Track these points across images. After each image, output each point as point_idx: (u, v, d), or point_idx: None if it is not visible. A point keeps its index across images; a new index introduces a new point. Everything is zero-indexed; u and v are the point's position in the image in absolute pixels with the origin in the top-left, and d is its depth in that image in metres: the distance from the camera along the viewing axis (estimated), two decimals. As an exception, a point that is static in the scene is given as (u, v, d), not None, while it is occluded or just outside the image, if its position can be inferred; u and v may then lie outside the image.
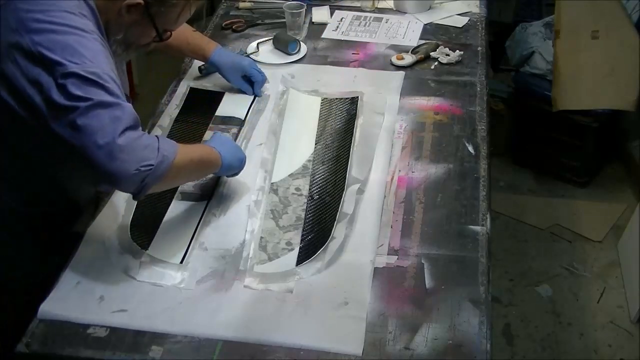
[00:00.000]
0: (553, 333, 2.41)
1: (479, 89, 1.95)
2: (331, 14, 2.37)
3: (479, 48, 2.16)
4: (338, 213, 1.52)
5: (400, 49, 2.14)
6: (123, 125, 1.19)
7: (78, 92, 1.17)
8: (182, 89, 1.97)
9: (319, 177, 1.65)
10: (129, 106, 1.24)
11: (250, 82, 1.93)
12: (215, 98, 1.93)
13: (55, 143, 1.19)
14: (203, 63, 1.97)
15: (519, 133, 3.14)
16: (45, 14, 1.22)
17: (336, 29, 2.29)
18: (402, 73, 2.02)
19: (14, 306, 1.41)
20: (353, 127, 1.79)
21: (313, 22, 2.32)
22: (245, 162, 1.56)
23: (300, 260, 1.41)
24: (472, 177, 1.62)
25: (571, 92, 2.80)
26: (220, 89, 1.96)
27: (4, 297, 1.45)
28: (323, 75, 2.03)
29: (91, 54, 1.22)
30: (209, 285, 1.36)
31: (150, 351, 1.23)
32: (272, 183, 1.62)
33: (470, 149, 1.71)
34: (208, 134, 1.78)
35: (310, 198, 1.58)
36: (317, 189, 1.61)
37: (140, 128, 1.26)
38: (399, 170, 1.65)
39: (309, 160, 1.70)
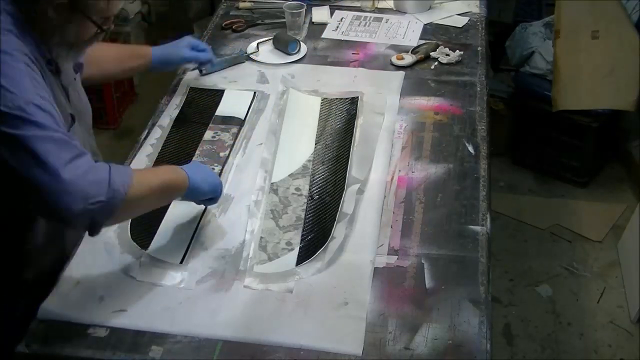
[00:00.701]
0: (553, 333, 2.41)
1: (479, 89, 1.95)
2: (331, 14, 2.37)
3: (479, 48, 2.16)
4: (338, 213, 1.52)
5: (400, 49, 2.14)
6: (62, 159, 1.09)
7: (4, 130, 1.08)
8: (182, 89, 1.97)
9: (319, 177, 1.65)
10: (62, 137, 1.13)
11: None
12: (215, 98, 1.93)
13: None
14: (203, 63, 1.97)
15: (519, 133, 3.14)
16: None
17: (336, 29, 2.29)
18: (402, 73, 2.02)
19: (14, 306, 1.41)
20: (353, 127, 1.79)
21: (313, 22, 2.32)
22: (221, 189, 1.46)
23: (300, 260, 1.41)
24: (472, 177, 1.62)
25: (571, 92, 2.81)
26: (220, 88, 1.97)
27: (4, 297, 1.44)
28: (323, 75, 2.03)
29: (11, 82, 1.11)
30: (209, 285, 1.36)
31: (150, 351, 1.23)
32: (272, 183, 1.62)
33: (470, 149, 1.71)
34: (208, 134, 1.78)
35: (310, 198, 1.58)
36: (317, 189, 1.61)
37: (88, 156, 1.16)
38: (399, 170, 1.65)
39: (309, 160, 1.70)
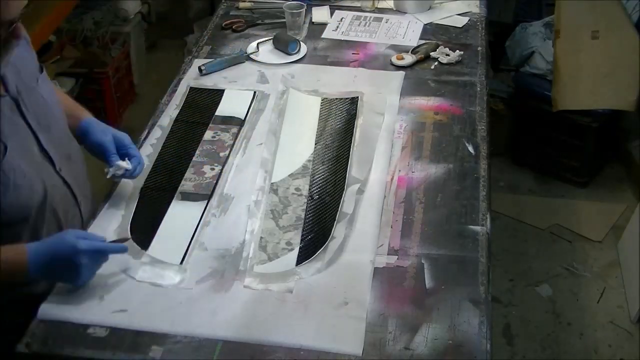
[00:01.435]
0: (553, 333, 2.42)
1: (479, 89, 1.95)
2: (331, 14, 2.37)
3: (479, 48, 2.16)
4: (338, 213, 1.52)
5: (400, 49, 2.14)
6: None
7: None
8: (182, 88, 1.97)
9: (319, 177, 1.65)
10: None
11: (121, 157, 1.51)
12: (215, 98, 1.93)
13: None
14: (203, 63, 1.97)
15: (519, 133, 3.14)
16: None
17: (336, 29, 2.29)
18: (402, 73, 2.02)
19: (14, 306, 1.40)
20: (353, 127, 1.79)
21: (313, 22, 2.32)
22: (85, 279, 1.31)
23: (300, 260, 1.41)
24: (472, 177, 1.62)
25: (571, 92, 2.81)
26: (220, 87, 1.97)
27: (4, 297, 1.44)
28: (323, 75, 2.03)
29: None
30: (209, 285, 1.36)
31: (150, 351, 1.23)
32: (272, 183, 1.62)
33: (470, 149, 1.71)
34: (208, 134, 1.78)
35: (310, 198, 1.58)
36: (317, 189, 1.61)
37: None
38: (399, 170, 1.65)
39: (309, 160, 1.70)
